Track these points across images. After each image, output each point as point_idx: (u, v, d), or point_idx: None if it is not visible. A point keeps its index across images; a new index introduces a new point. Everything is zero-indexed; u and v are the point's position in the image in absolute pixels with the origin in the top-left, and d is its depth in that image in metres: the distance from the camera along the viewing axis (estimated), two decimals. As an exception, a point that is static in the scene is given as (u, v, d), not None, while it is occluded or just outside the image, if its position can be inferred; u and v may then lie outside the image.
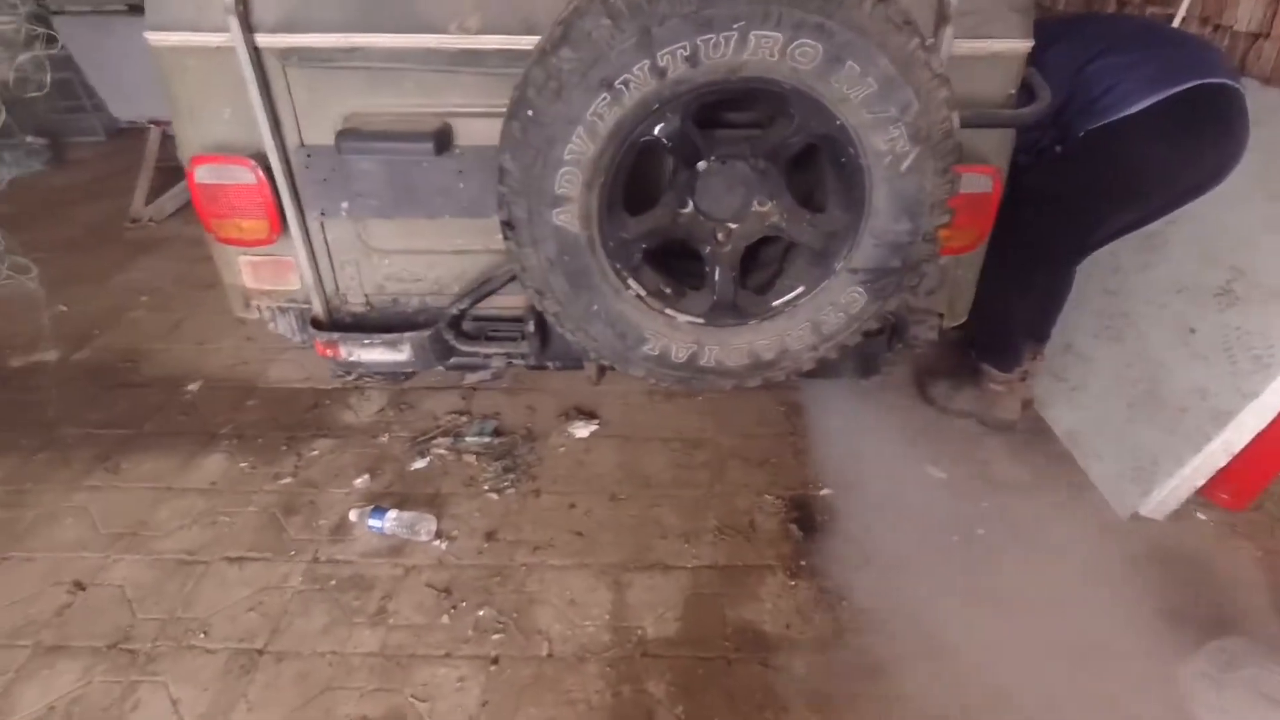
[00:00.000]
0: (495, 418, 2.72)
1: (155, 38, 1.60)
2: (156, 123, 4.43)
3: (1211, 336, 2.18)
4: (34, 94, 2.04)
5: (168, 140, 4.54)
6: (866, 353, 1.86)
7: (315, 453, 2.60)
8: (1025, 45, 1.64)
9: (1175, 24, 2.85)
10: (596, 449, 2.60)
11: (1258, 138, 2.19)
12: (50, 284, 3.59)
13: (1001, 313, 2.39)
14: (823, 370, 1.73)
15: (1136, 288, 2.48)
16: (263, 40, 1.58)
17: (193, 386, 2.94)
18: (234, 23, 1.52)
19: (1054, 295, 2.57)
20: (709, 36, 1.22)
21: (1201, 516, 2.29)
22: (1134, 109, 2.01)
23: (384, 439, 2.65)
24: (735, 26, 1.21)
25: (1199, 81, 1.99)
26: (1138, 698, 1.74)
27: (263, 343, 3.21)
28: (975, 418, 2.64)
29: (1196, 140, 2.01)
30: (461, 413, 2.75)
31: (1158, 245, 2.45)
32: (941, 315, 1.97)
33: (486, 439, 2.62)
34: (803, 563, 2.15)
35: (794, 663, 1.87)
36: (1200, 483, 2.17)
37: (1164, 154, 2.02)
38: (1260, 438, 2.09)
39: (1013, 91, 1.69)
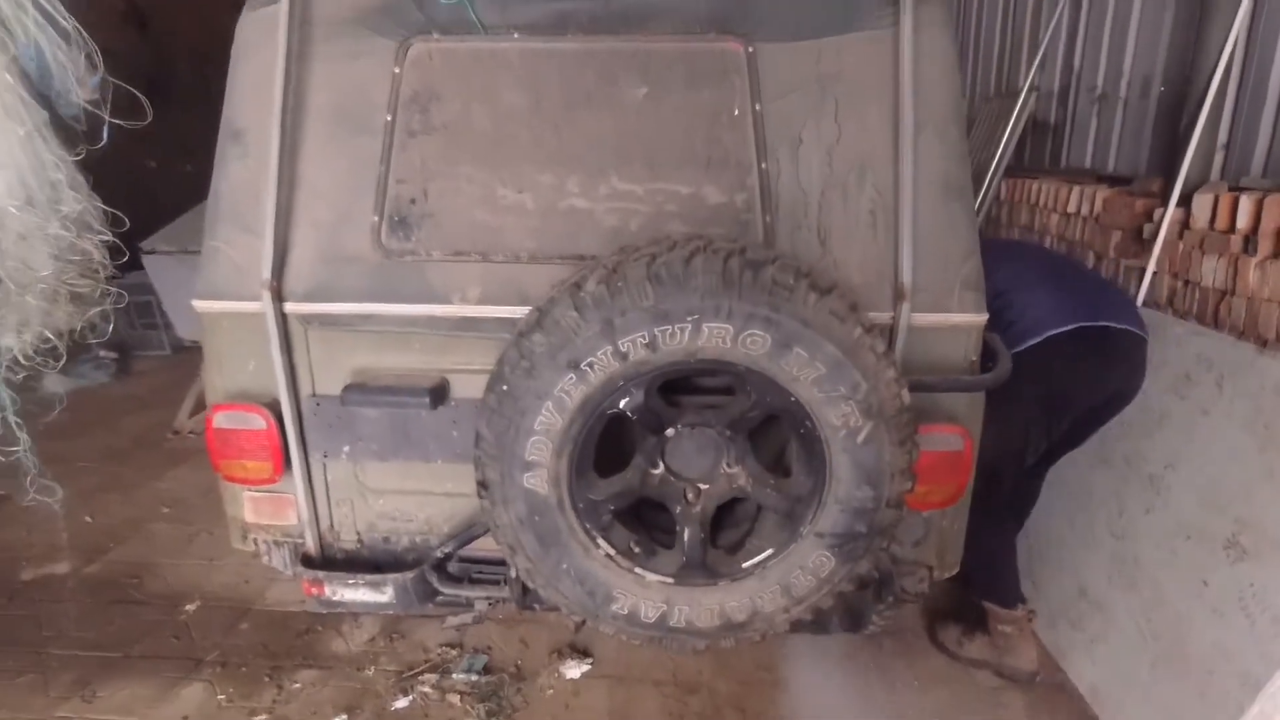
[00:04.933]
0: (486, 652, 2.63)
1: (202, 305, 1.83)
2: (213, 341, 4.83)
3: (1225, 590, 2.08)
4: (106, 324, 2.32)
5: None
6: (852, 608, 1.81)
7: (297, 685, 2.51)
8: (980, 318, 1.77)
9: (1147, 276, 3.05)
10: (586, 692, 2.47)
11: (1238, 389, 2.25)
12: (85, 493, 3.75)
13: (978, 543, 2.35)
14: (804, 627, 1.68)
15: (1143, 531, 2.42)
16: (290, 308, 1.79)
17: (190, 606, 2.94)
18: (267, 296, 1.74)
19: (1018, 508, 2.52)
20: (666, 327, 1.36)
21: (1254, 801, 2.03)
22: (1044, 335, 2.21)
23: (370, 672, 2.57)
24: (689, 319, 1.36)
25: (1105, 323, 2.25)
26: None
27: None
28: (991, 668, 2.47)
29: (1091, 359, 2.23)
30: (453, 645, 2.68)
31: (1159, 488, 2.42)
32: (931, 568, 1.93)
33: (475, 676, 2.52)
34: None
35: None
36: (1243, 760, 1.95)
37: (1071, 375, 2.22)
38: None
39: (974, 358, 1.80)
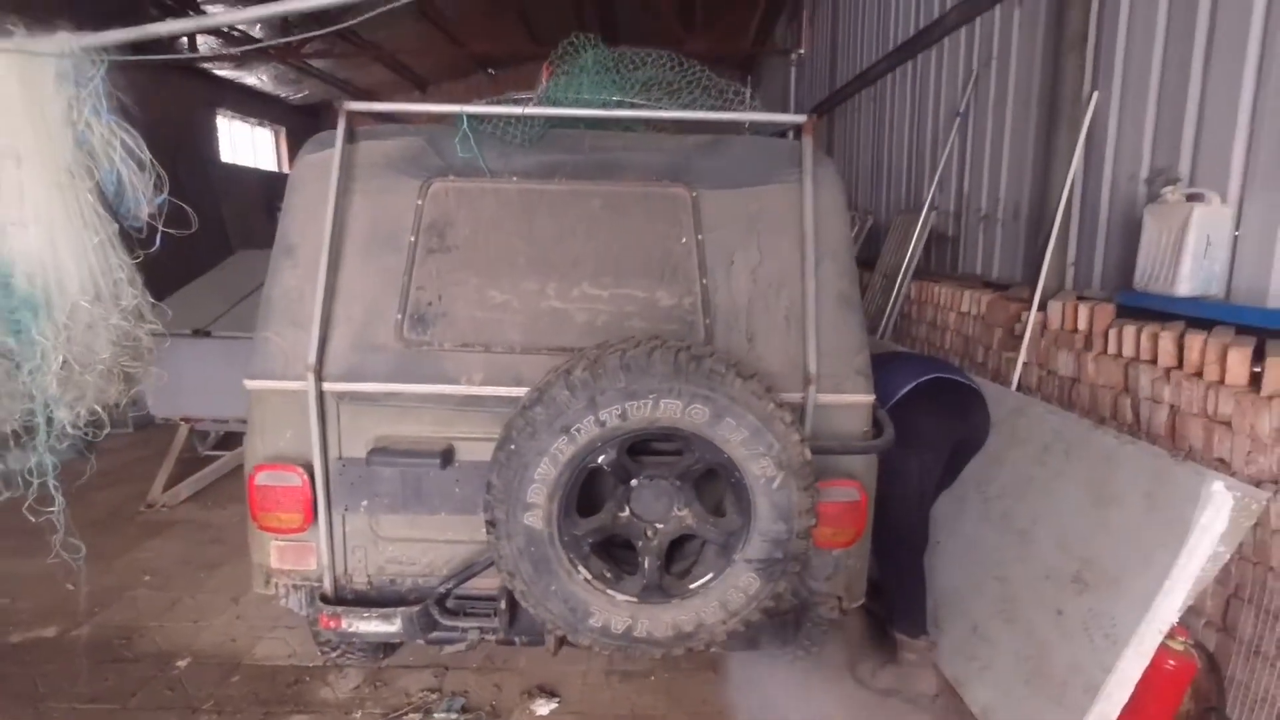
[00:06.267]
0: (464, 695, 2.94)
1: (252, 384, 2.25)
2: (187, 419, 5.09)
3: (1074, 617, 2.60)
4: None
5: (192, 435, 5.23)
6: (779, 628, 2.27)
7: (289, 730, 2.77)
8: (869, 398, 2.32)
9: (1019, 366, 3.72)
10: (554, 727, 2.81)
11: (1080, 456, 2.85)
12: (62, 564, 3.91)
13: (894, 577, 2.85)
14: (741, 643, 2.12)
15: (1018, 575, 2.95)
16: (327, 386, 2.23)
17: (181, 663, 3.16)
18: (310, 377, 2.18)
19: (920, 542, 3.03)
20: (634, 402, 1.87)
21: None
22: (910, 385, 2.88)
23: (357, 715, 2.84)
24: (650, 396, 1.86)
25: (938, 375, 2.95)
26: None
27: (252, 621, 3.48)
28: (899, 695, 2.91)
29: (943, 408, 2.92)
30: (433, 690, 2.98)
31: (1028, 539, 2.97)
32: (840, 598, 2.40)
33: (454, 716, 2.82)
34: None
35: None
36: (1091, 755, 2.43)
37: (925, 417, 2.84)
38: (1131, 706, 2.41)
39: (867, 429, 2.34)
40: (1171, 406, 2.82)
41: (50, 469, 2.58)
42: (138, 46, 2.39)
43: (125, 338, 2.54)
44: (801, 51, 10.73)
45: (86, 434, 2.57)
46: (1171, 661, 2.44)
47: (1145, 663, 2.37)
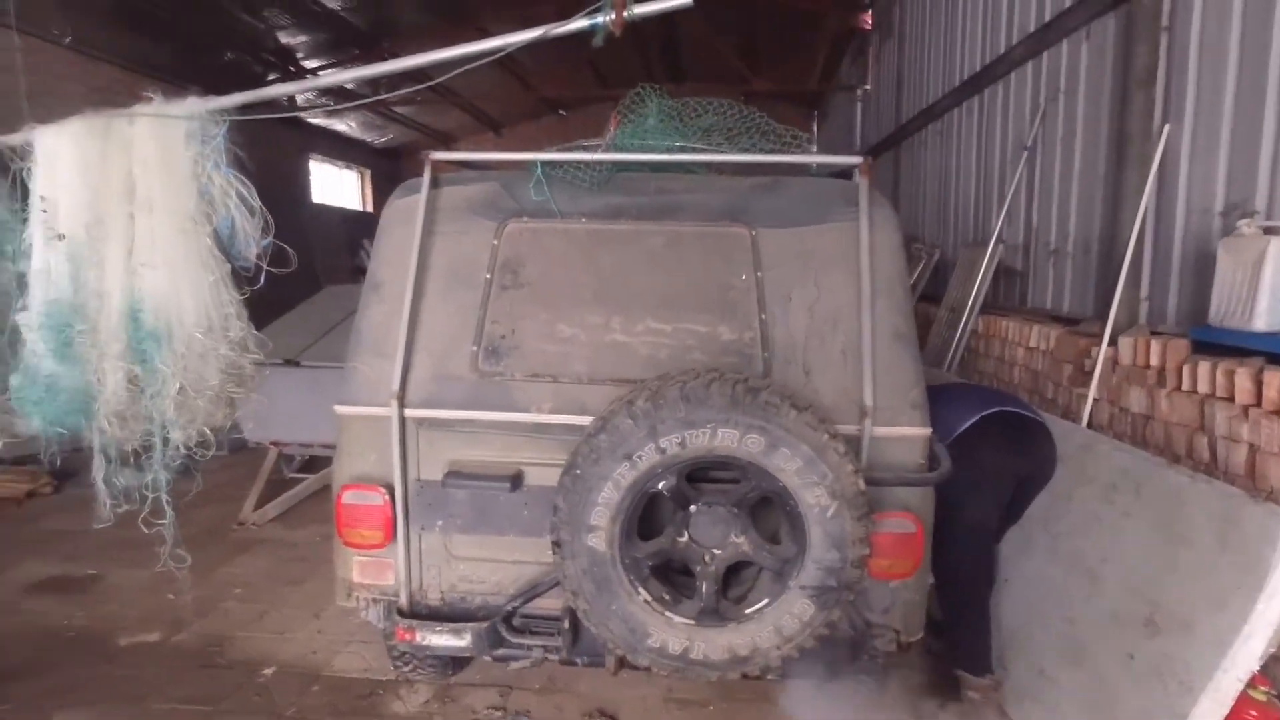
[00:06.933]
0: (526, 714, 3.05)
1: (342, 410, 2.45)
2: (276, 444, 5.44)
3: (1146, 662, 2.52)
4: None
5: (280, 458, 5.60)
6: (834, 658, 2.30)
7: (364, 739, 2.93)
8: (924, 431, 2.35)
9: (1089, 402, 3.63)
10: (613, 750, 2.87)
11: (1151, 495, 2.78)
12: (167, 573, 4.23)
13: (956, 614, 2.82)
14: (794, 671, 2.16)
15: (1085, 616, 2.87)
16: (409, 413, 2.41)
17: (268, 671, 3.38)
18: (394, 404, 2.37)
19: (986, 577, 2.97)
20: (692, 431, 1.97)
21: None
22: (965, 425, 2.85)
23: (426, 728, 2.98)
24: (708, 425, 1.96)
25: (1003, 409, 2.92)
26: None
27: (331, 635, 3.69)
28: (963, 736, 2.86)
29: (1008, 442, 2.87)
30: (498, 708, 3.09)
31: (1095, 579, 2.90)
32: (898, 631, 2.41)
33: (517, 733, 2.93)
34: None
35: None
36: (1166, 807, 2.33)
37: (989, 451, 2.82)
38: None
39: (922, 461, 2.37)
40: (1250, 445, 2.73)
41: (164, 485, 2.85)
42: (251, 105, 2.70)
43: (232, 366, 2.80)
44: (867, 88, 10.79)
45: (195, 454, 2.83)
46: (1253, 712, 2.33)
47: (1223, 712, 2.28)
